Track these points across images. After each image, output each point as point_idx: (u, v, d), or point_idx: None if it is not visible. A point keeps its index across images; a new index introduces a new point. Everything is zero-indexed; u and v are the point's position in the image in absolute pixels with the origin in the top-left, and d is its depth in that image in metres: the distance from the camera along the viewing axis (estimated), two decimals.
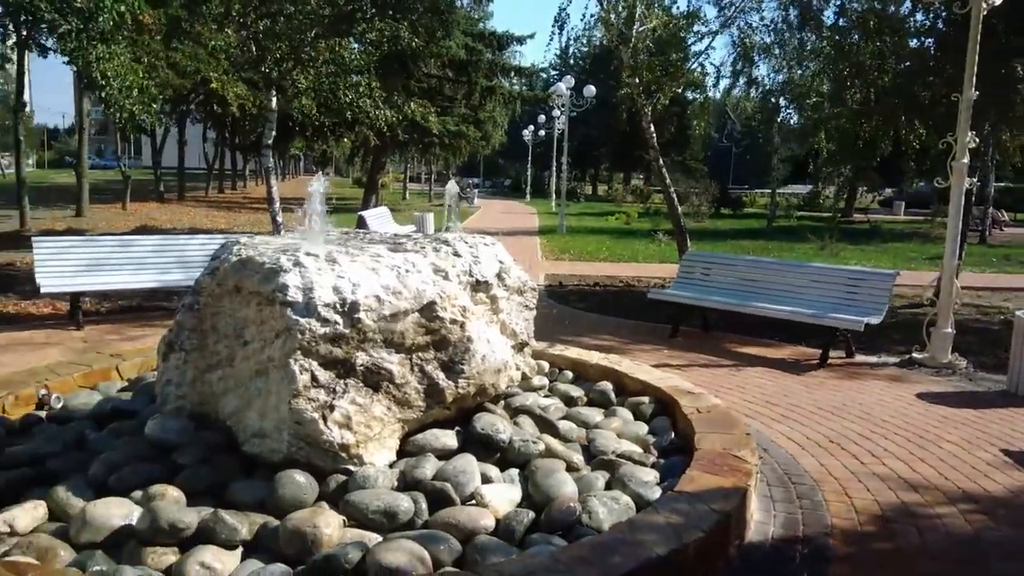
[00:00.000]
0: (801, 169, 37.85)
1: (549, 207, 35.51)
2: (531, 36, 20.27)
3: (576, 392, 5.27)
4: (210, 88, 17.49)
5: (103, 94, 13.23)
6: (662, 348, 7.58)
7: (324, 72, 10.99)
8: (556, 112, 29.60)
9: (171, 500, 3.35)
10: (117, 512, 3.21)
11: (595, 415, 4.84)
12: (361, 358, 3.65)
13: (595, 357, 5.96)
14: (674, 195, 11.64)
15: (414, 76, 15.89)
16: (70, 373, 5.19)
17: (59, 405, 4.86)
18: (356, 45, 11.47)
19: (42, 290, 7.52)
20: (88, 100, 22.52)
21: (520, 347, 4.42)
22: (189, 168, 36.73)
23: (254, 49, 10.87)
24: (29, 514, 3.28)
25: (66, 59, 13.44)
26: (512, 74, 20.47)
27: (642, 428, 4.70)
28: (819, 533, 3.72)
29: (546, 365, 5.83)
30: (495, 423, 4.00)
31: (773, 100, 15.07)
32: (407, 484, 3.57)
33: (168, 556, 3.04)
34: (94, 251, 8.04)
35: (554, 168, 35.69)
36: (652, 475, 3.92)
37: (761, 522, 3.81)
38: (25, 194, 19.24)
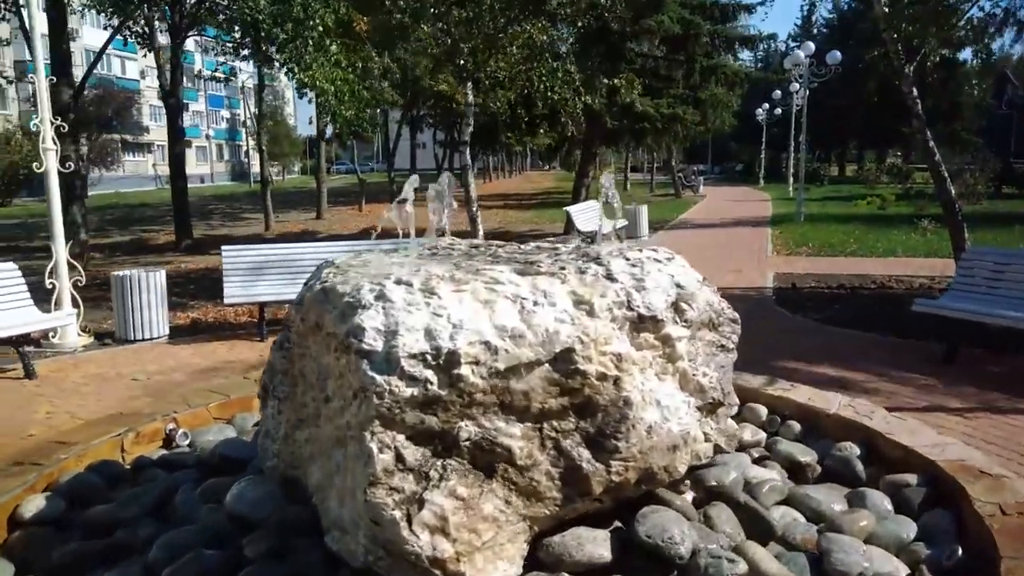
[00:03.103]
0: None
1: (786, 192, 32.34)
2: (762, 2, 17.97)
3: (806, 457, 3.79)
4: (439, 90, 17.50)
5: (318, 100, 13.52)
6: (933, 382, 5.67)
7: (519, 57, 10.11)
8: (795, 86, 26.60)
9: None
10: None
11: (833, 499, 3.36)
12: (467, 430, 2.56)
13: (835, 402, 4.38)
14: (944, 172, 9.26)
15: (625, 57, 14.57)
16: (205, 403, 4.69)
17: (185, 443, 4.34)
18: (549, 25, 10.49)
19: (225, 299, 7.40)
20: None
21: (711, 408, 3.07)
22: (421, 169, 38.36)
23: (448, 41, 10.27)
24: None
25: (284, 68, 13.93)
26: (736, 45, 18.24)
27: (907, 528, 3.15)
28: None
29: (763, 411, 4.39)
30: (668, 526, 2.72)
31: None
32: None
33: None
34: (278, 259, 7.80)
35: (792, 148, 32.38)
36: None
37: None
38: (269, 199, 20.77)
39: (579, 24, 10.10)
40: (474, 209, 10.61)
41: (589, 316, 2.71)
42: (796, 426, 4.25)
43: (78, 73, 14.35)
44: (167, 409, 4.59)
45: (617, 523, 2.91)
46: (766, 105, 40.16)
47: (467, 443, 2.57)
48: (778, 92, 35.05)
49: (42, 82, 6.93)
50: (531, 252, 3.32)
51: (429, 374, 2.50)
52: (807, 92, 20.40)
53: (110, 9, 12.38)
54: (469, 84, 10.52)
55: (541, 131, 17.78)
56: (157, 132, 59.44)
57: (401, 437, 2.52)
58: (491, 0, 9.60)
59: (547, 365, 2.63)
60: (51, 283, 7.17)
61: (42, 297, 7.20)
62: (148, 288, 7.37)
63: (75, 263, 7.42)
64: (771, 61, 48.32)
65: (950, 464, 3.43)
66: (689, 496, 3.26)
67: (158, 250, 16.79)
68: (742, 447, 3.93)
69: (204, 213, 28.49)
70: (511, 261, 3.03)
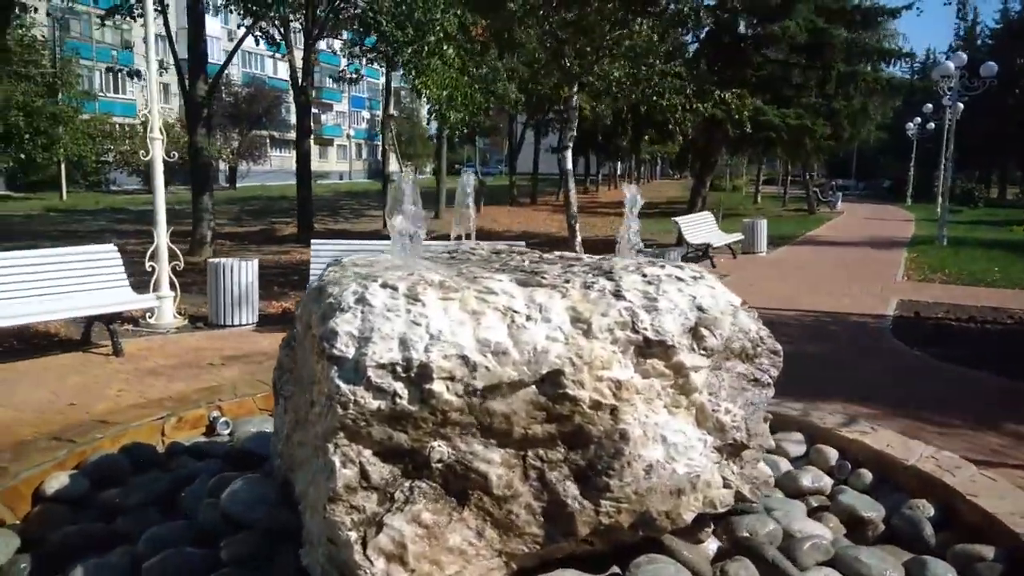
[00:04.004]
0: None
1: (933, 213, 29.89)
2: (908, 7, 16.58)
3: (870, 512, 3.32)
4: (542, 93, 17.40)
5: (428, 102, 13.68)
6: None
7: (626, 60, 9.77)
8: (946, 100, 24.52)
9: None
10: None
11: (888, 566, 2.89)
12: (439, 450, 2.35)
13: (916, 452, 3.83)
14: None
15: (751, 63, 13.81)
16: (252, 393, 4.72)
17: (226, 431, 4.37)
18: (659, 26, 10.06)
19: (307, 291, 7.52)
20: None
21: (733, 451, 2.69)
22: (543, 173, 38.37)
23: (554, 43, 10.08)
24: None
25: (402, 71, 14.20)
26: (875, 57, 16.89)
27: None
28: None
29: (833, 455, 3.91)
30: None
31: None
32: None
33: None
34: (359, 254, 7.85)
35: (942, 166, 29.87)
36: None
37: None
38: (389, 196, 21.30)
39: (689, 24, 9.63)
40: (573, 213, 10.34)
41: (585, 336, 2.42)
42: (867, 475, 3.74)
43: (229, 72, 15.23)
44: (222, 396, 4.65)
45: (615, 568, 2.60)
46: (918, 119, 37.37)
47: (439, 465, 2.36)
48: (929, 105, 32.47)
49: (152, 75, 7.33)
50: (549, 261, 3.06)
51: (398, 387, 2.31)
52: (957, 106, 18.67)
53: (241, 10, 13.04)
54: (575, 87, 10.27)
55: (646, 138, 17.17)
56: None
57: (367, 452, 2.34)
58: (598, 2, 9.33)
59: (533, 387, 2.38)
60: (151, 266, 7.56)
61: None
62: (241, 276, 7.61)
63: (175, 248, 7.79)
64: (927, 72, 44.97)
65: None
66: (713, 546, 2.90)
67: (281, 241, 17.59)
68: (799, 494, 3.51)
69: (334, 208, 29.73)
70: (516, 270, 2.78)
